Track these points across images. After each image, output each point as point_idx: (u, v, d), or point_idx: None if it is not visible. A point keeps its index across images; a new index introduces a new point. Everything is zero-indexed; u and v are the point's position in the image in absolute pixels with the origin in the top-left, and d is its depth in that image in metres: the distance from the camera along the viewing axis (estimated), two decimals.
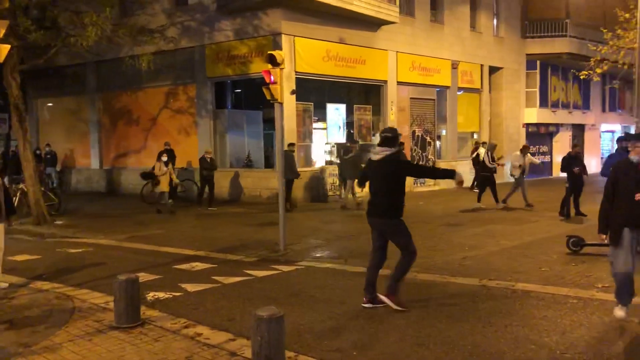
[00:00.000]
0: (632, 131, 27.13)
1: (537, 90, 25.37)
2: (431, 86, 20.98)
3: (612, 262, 5.62)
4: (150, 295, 6.78)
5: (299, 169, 16.01)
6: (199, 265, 8.57)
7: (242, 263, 8.79)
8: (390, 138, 6.11)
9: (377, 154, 6.11)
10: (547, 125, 26.54)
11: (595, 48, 20.01)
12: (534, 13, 24.80)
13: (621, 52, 18.19)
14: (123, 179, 20.13)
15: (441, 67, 21.01)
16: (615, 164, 5.78)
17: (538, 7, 24.72)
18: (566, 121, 27.41)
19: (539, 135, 26.41)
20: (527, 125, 25.44)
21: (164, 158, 14.73)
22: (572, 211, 13.06)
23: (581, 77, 20.81)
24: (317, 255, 9.44)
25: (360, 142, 18.86)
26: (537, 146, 26.37)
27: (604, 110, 30.55)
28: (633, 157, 5.48)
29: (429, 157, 20.89)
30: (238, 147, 18.57)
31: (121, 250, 10.23)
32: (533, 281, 7.19)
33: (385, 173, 6.06)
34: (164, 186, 14.71)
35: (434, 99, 21.38)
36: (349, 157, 15.42)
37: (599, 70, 18.94)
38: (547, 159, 26.88)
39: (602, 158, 29.75)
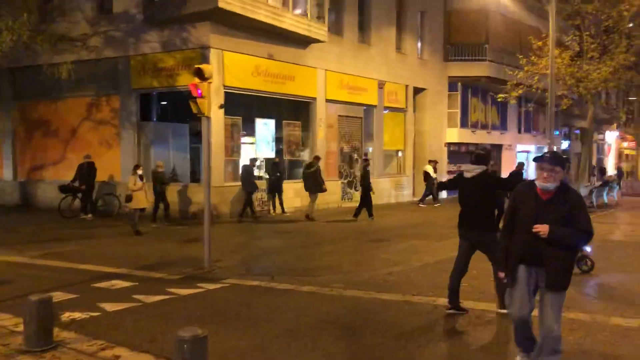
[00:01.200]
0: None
1: (458, 111, 26.43)
2: (359, 104, 21.39)
3: (507, 304, 5.01)
4: (65, 316, 6.43)
5: (227, 184, 15.84)
6: (119, 284, 8.23)
7: (165, 281, 8.53)
8: (483, 156, 6.63)
9: (471, 171, 6.52)
10: (467, 144, 27.65)
11: (512, 72, 21.13)
12: (455, 37, 25.91)
13: (535, 77, 19.29)
14: (40, 192, 19.10)
15: (368, 87, 21.49)
16: (515, 189, 4.82)
17: (459, 32, 25.85)
18: (485, 141, 28.67)
19: (460, 154, 27.48)
20: (449, 144, 26.42)
21: (140, 171, 13.36)
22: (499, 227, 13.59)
23: (499, 99, 21.86)
24: (244, 272, 9.32)
25: (288, 158, 18.96)
26: (458, 164, 27.44)
27: (519, 131, 32.23)
28: (539, 182, 4.44)
29: (356, 173, 21.23)
30: (163, 161, 18.11)
31: (35, 268, 9.66)
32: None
33: (481, 189, 6.44)
34: (140, 202, 13.24)
35: (361, 117, 21.81)
36: (311, 171, 16.17)
37: (515, 94, 19.99)
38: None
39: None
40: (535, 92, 19.51)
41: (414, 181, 24.43)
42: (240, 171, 16.26)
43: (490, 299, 7.27)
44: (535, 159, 4.46)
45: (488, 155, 6.93)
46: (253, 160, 16.28)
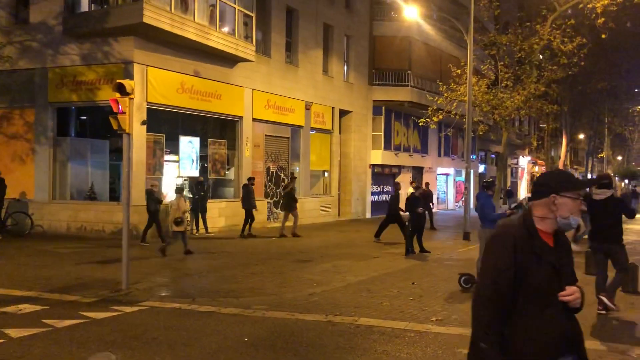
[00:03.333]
0: (463, 175, 30.13)
1: (382, 134, 27.14)
2: (286, 125, 21.51)
3: None
4: None
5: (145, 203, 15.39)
6: (27, 308, 7.75)
7: (78, 304, 8.12)
8: (608, 183, 8.08)
9: (600, 194, 7.84)
10: (390, 166, 28.40)
11: (432, 98, 21.97)
12: (380, 62, 26.70)
13: (454, 104, 20.16)
14: None
15: (295, 107, 21.68)
16: (507, 238, 2.75)
17: (384, 58, 26.65)
18: (407, 164, 29.57)
19: (384, 175, 28.16)
20: (373, 166, 27.02)
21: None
22: (417, 248, 13.96)
23: (420, 124, 22.63)
24: (163, 294, 9.03)
25: (213, 177, 18.70)
26: (382, 186, 28.08)
27: (439, 154, 33.47)
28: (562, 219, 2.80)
29: (282, 193, 21.25)
30: (80, 178, 17.37)
31: None
32: (375, 316, 7.52)
33: (612, 209, 7.80)
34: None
35: (288, 137, 21.92)
36: (287, 190, 17.41)
37: (435, 119, 20.76)
38: (389, 198, 28.63)
39: (437, 198, 32.39)
40: (454, 117, 20.35)
41: (339, 201, 24.75)
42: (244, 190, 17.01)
43: (408, 318, 7.43)
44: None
45: (612, 181, 8.72)
46: (251, 180, 17.18)
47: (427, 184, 21.55)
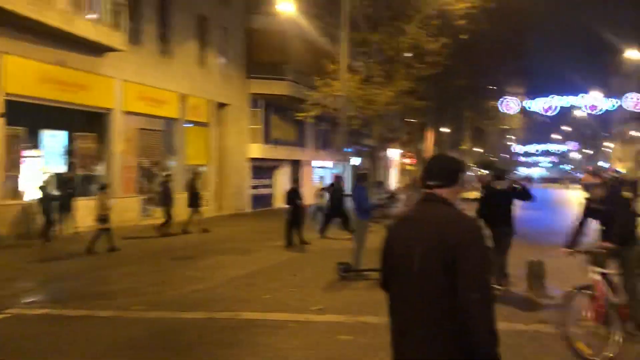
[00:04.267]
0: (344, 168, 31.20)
1: (260, 127, 27.17)
2: (160, 118, 20.79)
3: None
4: None
5: (7, 202, 14.17)
6: None
7: None
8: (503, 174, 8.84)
9: (501, 184, 8.50)
10: (269, 160, 28.53)
11: (309, 93, 22.35)
12: (257, 55, 26.63)
13: (329, 98, 20.66)
14: None
15: (170, 99, 21.01)
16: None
17: (261, 51, 26.62)
18: (286, 157, 29.87)
19: (263, 169, 28.23)
20: (253, 159, 26.98)
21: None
22: (297, 240, 14.16)
23: (298, 118, 22.95)
24: (30, 300, 8.40)
25: (81, 173, 17.61)
26: (261, 179, 28.14)
27: (316, 148, 34.20)
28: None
29: (157, 189, 20.52)
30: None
31: None
32: (257, 309, 7.57)
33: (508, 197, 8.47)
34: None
35: (162, 131, 21.19)
36: (191, 186, 17.46)
37: (312, 113, 21.17)
38: (269, 191, 28.81)
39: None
40: (329, 111, 20.89)
41: (217, 196, 24.42)
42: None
43: (290, 309, 7.57)
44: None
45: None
46: (169, 177, 17.57)
47: (296, 180, 21.79)
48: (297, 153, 31.35)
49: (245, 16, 26.42)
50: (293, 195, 14.47)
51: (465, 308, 2.30)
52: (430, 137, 34.94)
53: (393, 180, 49.32)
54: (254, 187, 27.46)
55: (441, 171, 2.58)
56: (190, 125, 22.52)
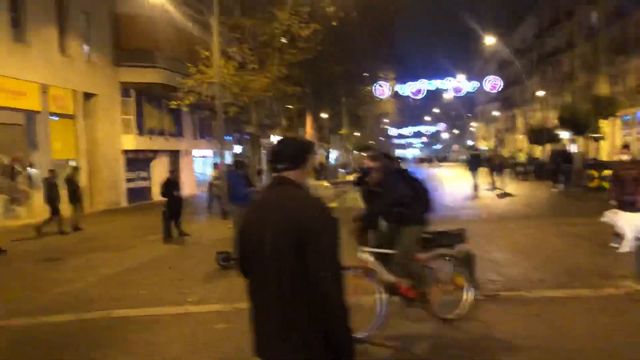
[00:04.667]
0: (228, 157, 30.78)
1: (133, 117, 25.98)
2: (19, 110, 19.17)
3: None
4: None
5: None
6: None
7: None
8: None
9: None
10: (145, 151, 27.43)
11: (183, 80, 21.71)
12: (126, 42, 25.34)
13: (204, 85, 20.22)
14: None
15: (29, 91, 19.42)
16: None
17: (130, 37, 25.36)
18: (163, 147, 28.88)
19: (139, 161, 27.09)
20: (127, 151, 25.79)
21: None
22: (176, 232, 13.78)
23: (172, 106, 22.21)
24: None
25: None
26: (138, 172, 27.00)
27: (195, 137, 33.42)
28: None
29: (22, 187, 18.99)
30: None
31: None
32: (131, 306, 7.31)
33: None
34: None
35: (23, 125, 19.58)
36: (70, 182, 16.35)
37: (187, 101, 20.58)
38: (147, 184, 27.72)
39: (196, 180, 32.45)
40: (205, 99, 20.46)
41: (89, 191, 23.08)
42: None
43: (166, 303, 7.40)
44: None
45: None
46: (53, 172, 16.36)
47: (172, 171, 21.10)
48: (175, 143, 30.45)
49: (110, 1, 25.00)
50: (169, 186, 14.04)
51: (317, 286, 2.38)
52: (309, 123, 35.48)
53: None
54: (130, 180, 26.30)
55: (288, 154, 2.62)
56: (55, 118, 21.00)
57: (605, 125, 39.13)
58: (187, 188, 29.58)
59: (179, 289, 8.23)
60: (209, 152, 35.28)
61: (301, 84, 25.29)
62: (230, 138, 37.60)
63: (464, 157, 64.12)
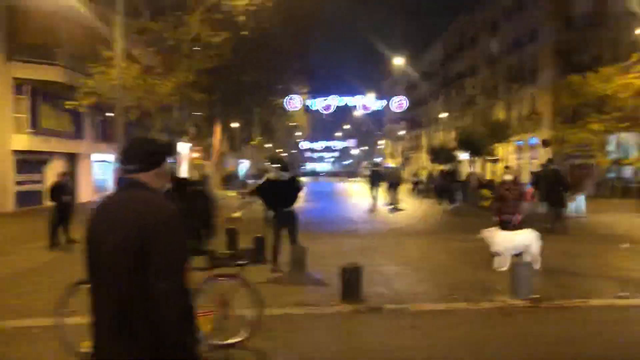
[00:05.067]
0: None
1: (26, 116, 24.38)
2: None
3: None
4: None
5: None
6: None
7: None
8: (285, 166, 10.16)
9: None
10: (39, 153, 25.79)
11: (84, 80, 20.73)
12: (22, 37, 23.80)
13: (105, 87, 19.40)
14: None
15: None
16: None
17: (27, 32, 23.85)
18: (59, 149, 27.28)
19: (31, 163, 25.42)
20: (17, 152, 24.11)
21: None
22: (63, 239, 12.99)
23: (68, 107, 21.08)
24: None
25: None
26: (29, 174, 25.34)
27: (96, 139, 31.90)
28: None
29: None
30: None
31: None
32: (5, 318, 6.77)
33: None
34: None
35: None
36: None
37: (86, 102, 19.65)
38: (40, 187, 26.03)
39: (95, 186, 30.96)
40: (106, 101, 19.63)
41: None
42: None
43: (37, 314, 6.92)
44: None
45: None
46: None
47: (63, 174, 19.84)
48: (73, 145, 28.88)
49: None
50: (58, 190, 13.26)
51: (156, 297, 2.25)
52: (218, 131, 34.99)
53: (184, 175, 48.37)
54: (20, 183, 24.60)
55: (138, 154, 2.48)
56: None
57: (500, 148, 41.66)
58: (84, 193, 28.19)
59: (55, 299, 7.70)
60: (110, 157, 33.81)
61: (209, 91, 24.85)
62: None
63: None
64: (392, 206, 24.81)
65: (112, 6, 18.80)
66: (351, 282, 7.26)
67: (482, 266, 9.96)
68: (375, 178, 26.60)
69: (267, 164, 28.54)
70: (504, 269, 9.19)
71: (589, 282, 8.74)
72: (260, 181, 12.09)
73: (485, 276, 9.19)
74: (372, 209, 24.06)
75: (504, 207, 9.72)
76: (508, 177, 10.18)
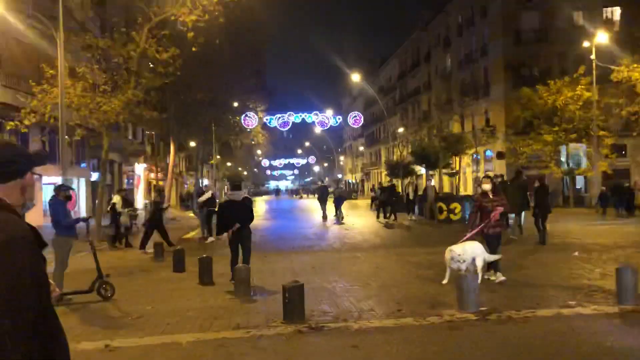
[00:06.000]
0: (75, 184, 28.57)
1: None
2: None
3: None
4: None
5: None
6: None
7: None
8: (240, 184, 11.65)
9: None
10: None
11: (27, 100, 19.92)
12: None
13: (48, 106, 18.66)
14: None
15: None
16: None
17: None
18: None
19: None
20: None
21: None
22: None
23: (8, 127, 20.16)
24: None
25: None
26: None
27: (45, 162, 30.72)
28: None
29: None
30: None
31: None
32: None
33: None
34: None
35: None
36: None
37: (27, 122, 18.82)
38: None
39: (44, 210, 29.77)
40: (47, 121, 18.85)
41: None
42: None
43: None
44: None
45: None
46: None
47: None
48: None
49: None
50: None
51: None
52: (172, 150, 34.24)
53: (140, 196, 47.21)
54: None
55: None
56: None
57: (457, 161, 42.11)
58: (32, 218, 27.07)
59: None
60: (58, 179, 32.64)
61: (161, 109, 24.25)
62: (85, 165, 35.21)
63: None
64: (340, 220, 25.84)
65: (55, 23, 18.21)
66: (292, 301, 6.91)
67: (433, 280, 9.76)
68: (323, 194, 27.82)
69: (210, 184, 28.02)
70: (445, 281, 9.09)
71: (538, 292, 8.63)
72: (204, 197, 12.49)
73: (435, 290, 8.99)
74: (323, 223, 25.30)
75: (484, 218, 9.39)
76: (487, 186, 9.56)
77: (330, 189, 32.91)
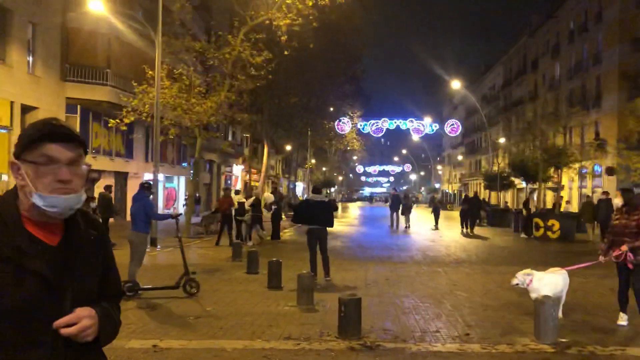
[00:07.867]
0: (175, 181, 29.89)
1: None
2: None
3: None
4: None
5: None
6: None
7: None
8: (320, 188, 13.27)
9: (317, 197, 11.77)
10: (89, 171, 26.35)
11: (128, 99, 21.01)
12: (76, 57, 24.59)
13: (146, 106, 19.53)
14: None
15: None
16: None
17: (80, 53, 24.63)
18: (108, 168, 27.83)
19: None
20: None
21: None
22: None
23: (110, 125, 21.30)
24: None
25: None
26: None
27: (147, 159, 32.42)
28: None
29: None
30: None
31: None
32: None
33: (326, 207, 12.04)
34: None
35: None
36: None
37: (127, 120, 19.79)
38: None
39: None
40: (146, 119, 19.76)
41: None
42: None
43: None
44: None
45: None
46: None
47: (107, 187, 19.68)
48: (122, 164, 29.44)
49: (62, 13, 24.30)
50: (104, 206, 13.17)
51: None
52: (265, 152, 34.88)
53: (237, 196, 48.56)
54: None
55: None
56: None
57: (562, 175, 39.33)
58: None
59: None
60: (160, 177, 34.27)
61: (255, 111, 24.69)
62: (185, 164, 36.77)
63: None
64: (405, 227, 27.66)
65: (156, 27, 19.05)
66: (348, 315, 6.51)
67: (513, 302, 8.93)
68: (395, 202, 28.87)
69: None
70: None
71: (633, 327, 7.58)
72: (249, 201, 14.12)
73: (513, 315, 8.18)
74: (393, 230, 26.84)
75: (617, 241, 7.32)
76: (618, 200, 7.62)
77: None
